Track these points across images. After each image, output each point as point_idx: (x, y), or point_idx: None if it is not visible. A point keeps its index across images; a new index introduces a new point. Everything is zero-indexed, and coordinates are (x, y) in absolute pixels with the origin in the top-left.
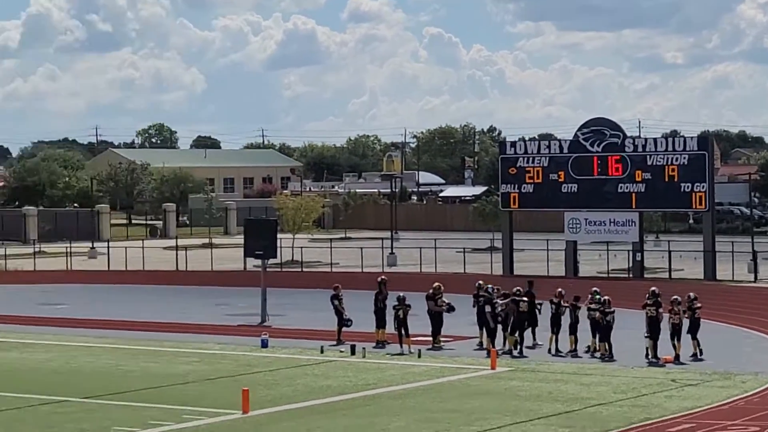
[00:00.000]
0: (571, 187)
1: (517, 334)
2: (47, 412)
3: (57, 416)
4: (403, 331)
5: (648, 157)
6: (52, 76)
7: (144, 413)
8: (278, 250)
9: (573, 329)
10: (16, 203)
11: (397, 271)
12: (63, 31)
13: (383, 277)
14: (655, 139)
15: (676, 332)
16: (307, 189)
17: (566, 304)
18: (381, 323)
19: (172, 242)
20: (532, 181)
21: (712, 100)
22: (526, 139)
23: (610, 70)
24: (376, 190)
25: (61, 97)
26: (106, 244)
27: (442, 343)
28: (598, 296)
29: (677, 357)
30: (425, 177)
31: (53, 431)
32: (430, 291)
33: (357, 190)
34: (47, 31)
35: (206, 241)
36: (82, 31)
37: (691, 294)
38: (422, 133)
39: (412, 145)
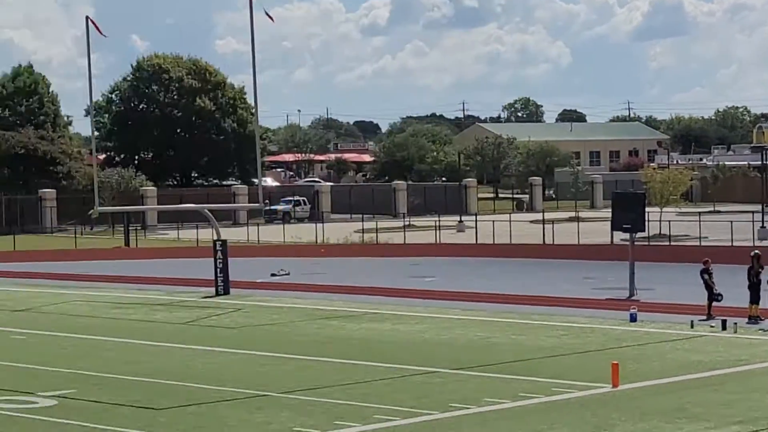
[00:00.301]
0: None
1: None
2: (420, 383)
3: (429, 386)
4: None
5: None
6: (420, 53)
7: (513, 385)
8: (646, 223)
9: None
10: (386, 178)
11: None
12: (430, 8)
13: (756, 251)
14: None
15: None
16: (674, 162)
17: None
18: (755, 298)
19: (538, 216)
20: None
21: None
22: None
23: None
24: (745, 163)
25: (429, 72)
26: (473, 217)
27: None
28: None
29: None
30: None
31: (425, 401)
32: None
33: (726, 163)
34: (415, 8)
35: (572, 214)
36: (449, 7)
37: None
38: None
39: None
